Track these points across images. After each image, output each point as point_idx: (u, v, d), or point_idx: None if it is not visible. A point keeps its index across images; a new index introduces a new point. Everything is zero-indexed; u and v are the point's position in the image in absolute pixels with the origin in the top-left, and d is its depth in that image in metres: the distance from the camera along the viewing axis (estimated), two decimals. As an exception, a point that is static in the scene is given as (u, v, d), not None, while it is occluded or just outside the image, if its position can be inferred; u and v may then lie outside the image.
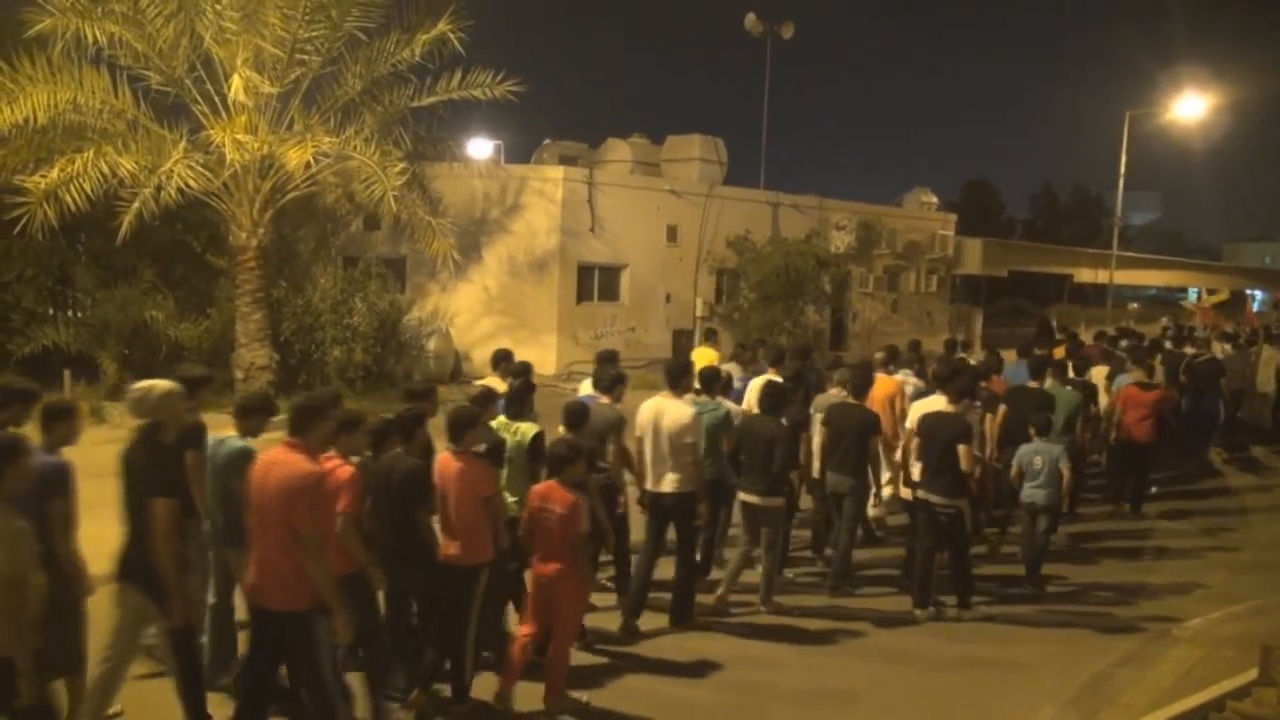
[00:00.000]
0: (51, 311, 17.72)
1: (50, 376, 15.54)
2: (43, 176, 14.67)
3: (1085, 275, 46.09)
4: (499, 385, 8.28)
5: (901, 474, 9.16)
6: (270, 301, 17.22)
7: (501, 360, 9.17)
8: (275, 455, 5.24)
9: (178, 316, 17.27)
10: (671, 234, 25.23)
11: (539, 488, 6.48)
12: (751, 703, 7.08)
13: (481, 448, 6.65)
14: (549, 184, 23.06)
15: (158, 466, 5.49)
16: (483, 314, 22.45)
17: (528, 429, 7.20)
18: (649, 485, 7.99)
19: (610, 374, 8.33)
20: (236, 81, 15.20)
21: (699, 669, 7.46)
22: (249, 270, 16.80)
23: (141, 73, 16.28)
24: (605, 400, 8.09)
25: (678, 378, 8.12)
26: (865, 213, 30.42)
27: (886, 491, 9.57)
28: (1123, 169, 32.77)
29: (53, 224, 14.75)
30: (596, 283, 24.00)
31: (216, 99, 16.22)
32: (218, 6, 15.82)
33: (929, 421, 8.65)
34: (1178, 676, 7.68)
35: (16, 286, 17.06)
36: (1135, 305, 47.19)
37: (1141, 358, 12.77)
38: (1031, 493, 9.47)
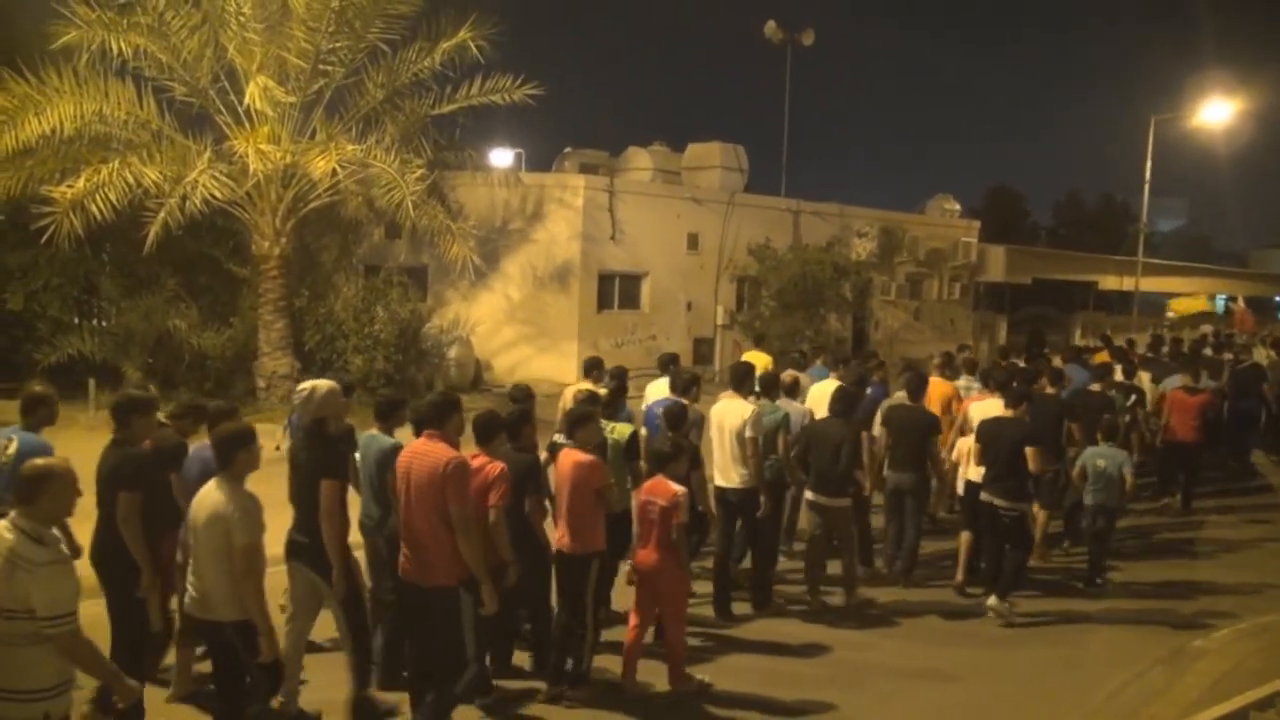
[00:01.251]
0: (77, 320, 17.90)
1: (75, 385, 15.70)
2: (69, 187, 14.83)
3: (1110, 282, 45.69)
4: (598, 390, 8.86)
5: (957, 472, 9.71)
6: (292, 310, 17.34)
7: (594, 368, 9.77)
8: (418, 447, 5.90)
9: (201, 325, 17.38)
10: (692, 242, 25.21)
11: (647, 483, 7.00)
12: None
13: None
14: (570, 192, 23.09)
15: (325, 455, 6.12)
16: (504, 322, 22.49)
17: (624, 429, 7.84)
18: (717, 481, 8.55)
19: (686, 376, 8.88)
20: (254, 89, 15.32)
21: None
22: (271, 279, 16.92)
23: (166, 84, 16.49)
24: (684, 401, 8.48)
25: (741, 380, 8.72)
26: (887, 220, 30.30)
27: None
28: (1148, 174, 32.48)
29: (79, 234, 14.89)
30: (617, 291, 23.98)
31: (240, 109, 16.37)
32: (241, 18, 15.99)
33: (989, 426, 8.95)
34: (1204, 689, 7.60)
35: (43, 296, 17.24)
36: (1172, 313, 47.14)
37: (1185, 363, 13.57)
38: (1095, 495, 9.69)
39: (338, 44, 16.53)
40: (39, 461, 4.39)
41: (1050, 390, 10.68)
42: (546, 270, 22.87)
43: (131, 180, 15.09)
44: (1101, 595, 9.60)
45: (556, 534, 6.82)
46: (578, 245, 22.91)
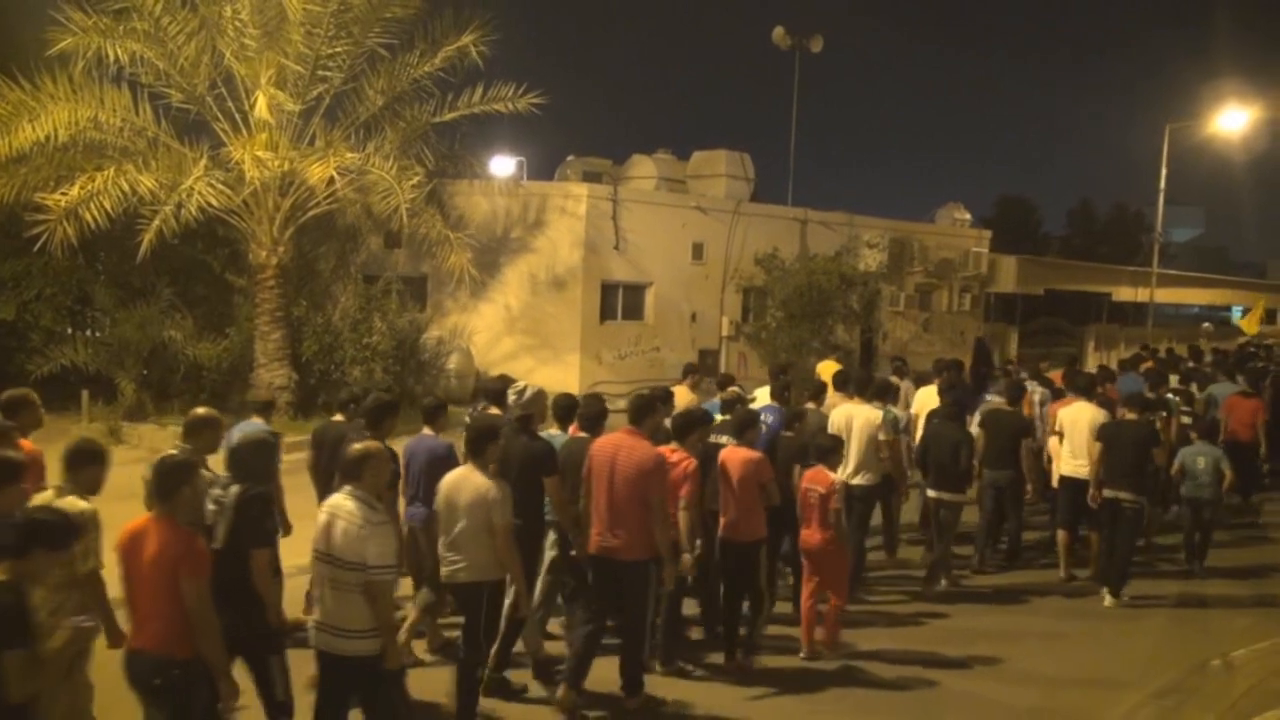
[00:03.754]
0: (70, 331, 17.72)
1: (68, 397, 15.52)
2: (63, 194, 14.69)
3: (1125, 293, 45.25)
4: (686, 394, 10.22)
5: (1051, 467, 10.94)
6: (290, 320, 17.12)
7: (691, 372, 11.03)
8: (620, 440, 6.81)
9: (196, 336, 17.17)
10: (697, 251, 24.92)
11: (808, 472, 8.01)
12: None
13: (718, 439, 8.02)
14: (572, 201, 22.85)
15: (540, 452, 7.01)
16: (504, 333, 22.22)
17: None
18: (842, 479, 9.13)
19: (783, 383, 10.12)
20: (261, 99, 15.18)
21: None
22: (268, 289, 16.71)
23: (162, 90, 16.35)
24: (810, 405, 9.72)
25: (864, 386, 10.10)
26: (896, 229, 29.96)
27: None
28: (1163, 183, 32.09)
29: (72, 242, 14.76)
30: (620, 301, 23.70)
31: (237, 116, 16.22)
32: (239, 24, 15.84)
33: (1112, 429, 9.93)
34: (1223, 710, 7.46)
35: (36, 305, 17.06)
36: (1208, 325, 47.24)
37: (1235, 372, 15.45)
38: (1195, 489, 10.76)
39: (336, 49, 16.34)
40: (359, 445, 5.58)
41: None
42: (548, 280, 22.62)
43: (127, 188, 14.95)
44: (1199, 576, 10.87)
45: (723, 524, 7.65)
46: (580, 254, 22.65)
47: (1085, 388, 10.97)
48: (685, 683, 7.52)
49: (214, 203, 15.12)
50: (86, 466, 5.34)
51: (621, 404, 9.35)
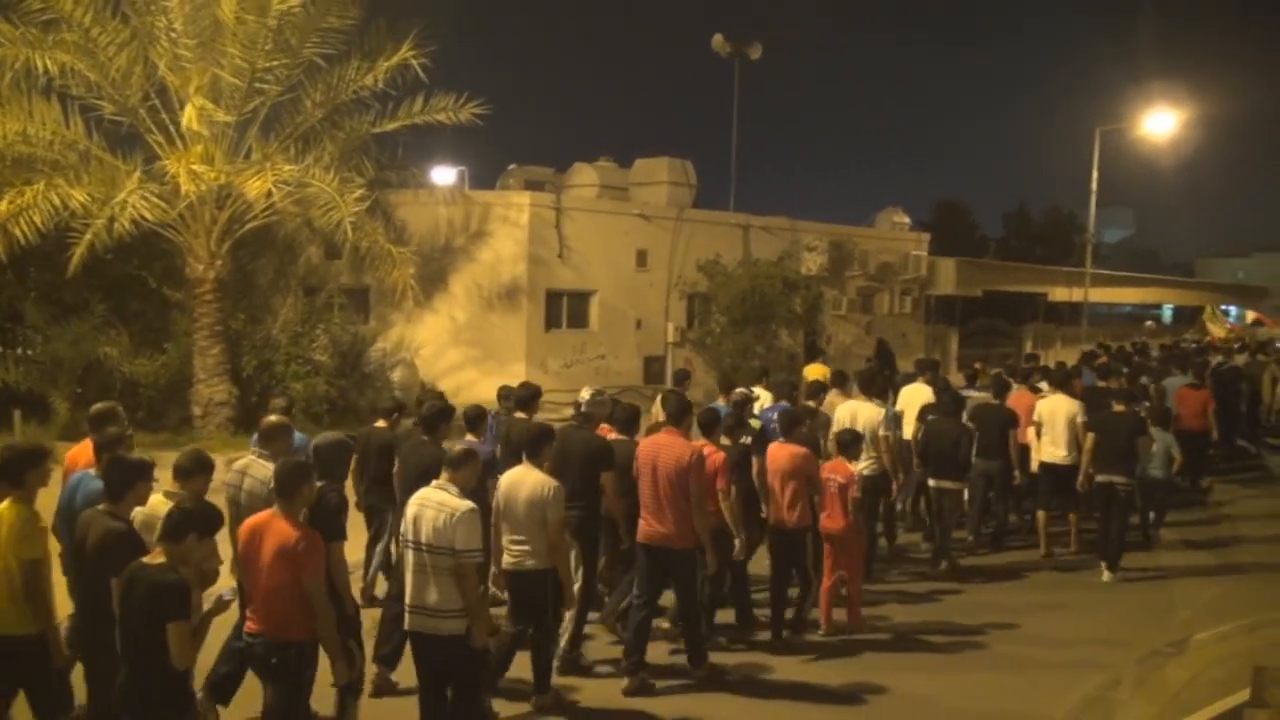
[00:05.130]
0: (0, 349, 17.22)
1: (-1, 416, 15.10)
2: (-9, 209, 14.28)
3: (1060, 294, 46.08)
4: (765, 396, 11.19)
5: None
6: (229, 335, 16.83)
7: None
8: (661, 439, 7.52)
9: (132, 352, 16.75)
10: (641, 259, 24.96)
11: (828, 464, 8.74)
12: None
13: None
14: (515, 210, 22.77)
15: (599, 449, 7.75)
16: (449, 344, 22.06)
17: (753, 424, 9.48)
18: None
19: (787, 382, 11.33)
20: (191, 110, 14.90)
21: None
22: (206, 303, 16.42)
23: (94, 103, 15.98)
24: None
25: (870, 383, 11.04)
26: (837, 234, 30.24)
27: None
28: (1095, 185, 32.74)
29: (1, 258, 14.36)
30: (565, 310, 23.67)
31: (172, 128, 15.93)
32: (172, 34, 15.55)
33: (1106, 419, 10.82)
34: (1165, 700, 7.61)
35: (-38, 324, 16.58)
36: (1150, 323, 48.52)
37: (1186, 366, 16.54)
38: (1147, 471, 11.42)
39: (274, 61, 16.10)
40: (462, 446, 6.35)
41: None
42: (492, 290, 22.50)
43: (58, 202, 14.64)
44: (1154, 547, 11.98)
45: (772, 512, 8.36)
46: (524, 264, 22.59)
47: (1062, 381, 12.01)
48: (741, 655, 8.24)
49: (148, 217, 14.82)
50: (198, 475, 5.85)
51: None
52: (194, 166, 14.97)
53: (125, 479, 5.47)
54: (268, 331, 17.68)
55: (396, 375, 19.57)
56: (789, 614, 8.53)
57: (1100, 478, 10.69)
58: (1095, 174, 32.52)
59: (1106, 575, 10.58)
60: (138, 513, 5.54)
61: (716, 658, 7.88)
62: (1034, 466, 11.59)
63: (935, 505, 10.94)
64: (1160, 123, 32.64)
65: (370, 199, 17.30)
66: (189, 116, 14.96)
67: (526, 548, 6.71)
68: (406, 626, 5.91)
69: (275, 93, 16.61)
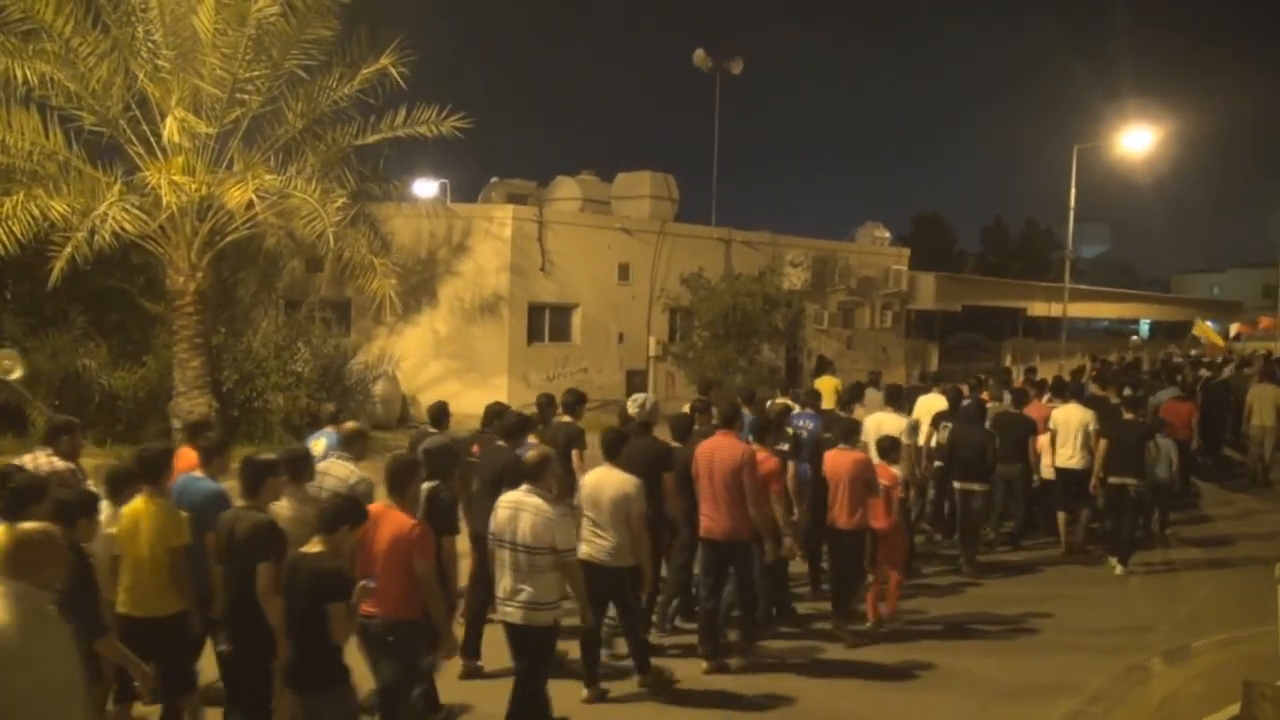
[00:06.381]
0: (-23, 361, 17.02)
1: (-24, 429, 14.94)
2: (-32, 220, 14.13)
3: (1039, 309, 46.37)
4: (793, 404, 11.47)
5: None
6: (209, 348, 16.67)
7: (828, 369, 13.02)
8: (717, 442, 8.26)
9: (112, 365, 16.61)
10: (623, 272, 24.98)
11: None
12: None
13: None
14: (497, 223, 22.76)
15: (662, 453, 8.33)
16: (431, 357, 22.00)
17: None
18: None
19: (815, 394, 11.83)
20: (172, 122, 14.79)
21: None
22: (187, 315, 16.25)
23: (74, 113, 15.79)
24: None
25: (896, 396, 11.80)
26: (819, 248, 30.37)
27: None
28: (1073, 202, 32.95)
29: (-22, 269, 14.21)
30: (547, 323, 23.66)
31: (152, 139, 15.78)
32: (152, 45, 15.44)
33: (1121, 426, 11.64)
34: (1149, 712, 7.65)
35: (-61, 335, 16.38)
36: (1136, 338, 49.03)
37: (1175, 378, 17.77)
38: (1154, 474, 12.01)
39: (255, 72, 16.00)
40: (534, 452, 6.82)
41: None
42: (474, 303, 22.46)
43: (37, 213, 14.46)
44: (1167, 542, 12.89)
45: (834, 515, 8.89)
46: (506, 277, 22.57)
47: (1074, 392, 13.05)
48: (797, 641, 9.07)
49: (129, 228, 14.67)
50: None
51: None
52: (175, 178, 14.85)
53: (259, 476, 6.02)
54: (249, 344, 17.53)
55: (378, 388, 19.50)
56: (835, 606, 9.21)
57: (1113, 480, 11.54)
58: (1074, 191, 32.74)
59: (1119, 569, 11.42)
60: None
61: (776, 646, 8.84)
62: (1045, 472, 12.32)
63: (961, 506, 11.59)
64: (1137, 139, 32.89)
65: (354, 210, 17.22)
66: (170, 128, 14.83)
67: (608, 543, 7.30)
68: (502, 618, 6.45)
69: (256, 103, 16.49)
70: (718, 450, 8.16)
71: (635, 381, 24.70)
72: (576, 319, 24.24)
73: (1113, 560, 11.62)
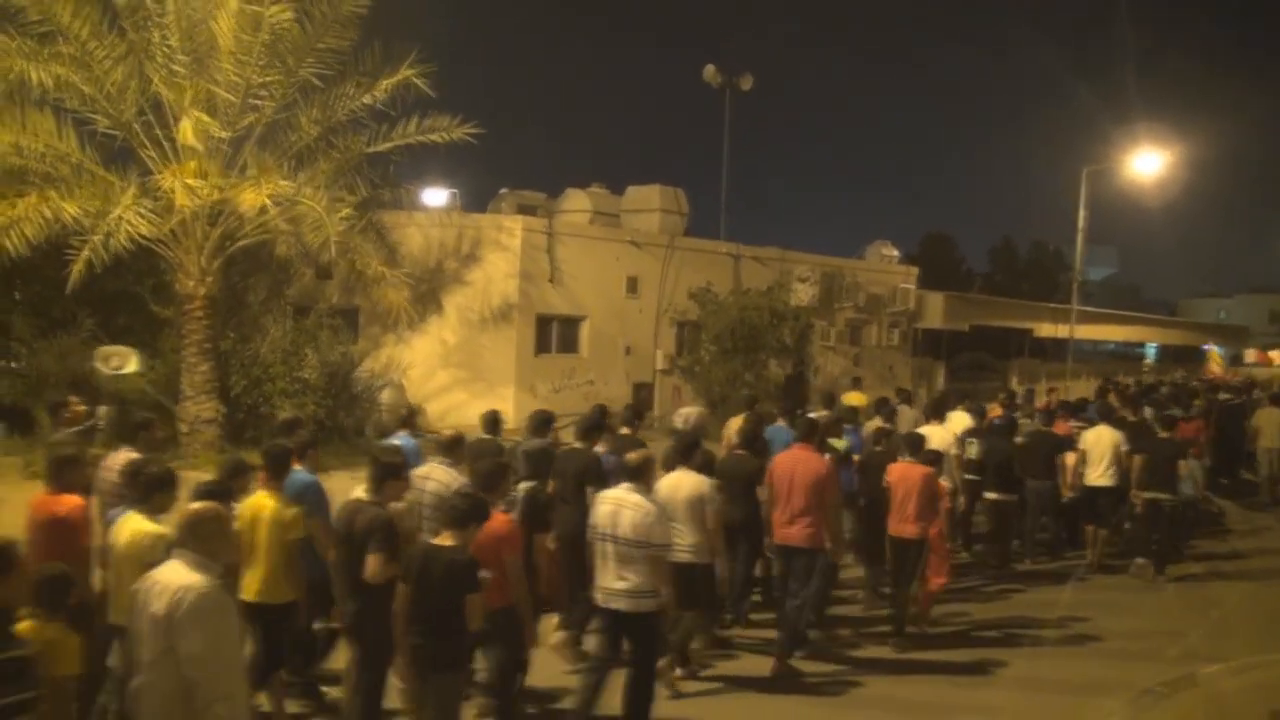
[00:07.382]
0: (-14, 362, 17.05)
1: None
2: (-18, 220, 14.15)
3: (1046, 330, 46.22)
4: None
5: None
6: (218, 353, 16.68)
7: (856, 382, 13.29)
8: (797, 454, 8.70)
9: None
10: (632, 285, 24.97)
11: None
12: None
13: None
14: (506, 233, 22.76)
15: (757, 469, 8.97)
16: (438, 366, 21.96)
17: (840, 442, 10.42)
18: None
19: (850, 408, 12.93)
20: (187, 124, 14.82)
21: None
22: (196, 320, 16.27)
23: (88, 116, 15.85)
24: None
25: (939, 408, 12.75)
26: (827, 265, 30.35)
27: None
28: (1081, 224, 32.91)
29: (-10, 270, 14.23)
30: (555, 334, 23.63)
31: (166, 143, 15.83)
32: (168, 49, 15.50)
33: (1154, 444, 12.38)
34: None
35: (-51, 335, 16.39)
36: (1148, 361, 49.21)
37: (1182, 401, 18.23)
38: (1182, 490, 12.58)
39: (269, 78, 16.04)
40: (637, 453, 7.17)
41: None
42: (482, 312, 22.44)
43: (50, 215, 14.53)
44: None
45: (895, 524, 9.29)
46: (515, 287, 22.55)
47: (1104, 414, 13.45)
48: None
49: (144, 233, 14.71)
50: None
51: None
52: (188, 181, 14.89)
53: (382, 475, 6.42)
54: (257, 350, 17.52)
55: (385, 396, 19.43)
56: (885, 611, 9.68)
57: (1147, 495, 12.13)
58: (1083, 213, 32.70)
59: (1154, 577, 11.98)
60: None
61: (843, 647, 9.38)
62: (1066, 490, 12.71)
63: (994, 514, 12.31)
64: (1146, 163, 32.85)
65: (362, 219, 17.23)
66: (184, 131, 14.87)
67: (681, 541, 7.64)
68: (606, 606, 6.79)
69: (270, 110, 16.55)
70: (799, 463, 8.55)
71: (641, 394, 24.66)
72: (584, 331, 24.22)
73: (1141, 561, 12.13)
